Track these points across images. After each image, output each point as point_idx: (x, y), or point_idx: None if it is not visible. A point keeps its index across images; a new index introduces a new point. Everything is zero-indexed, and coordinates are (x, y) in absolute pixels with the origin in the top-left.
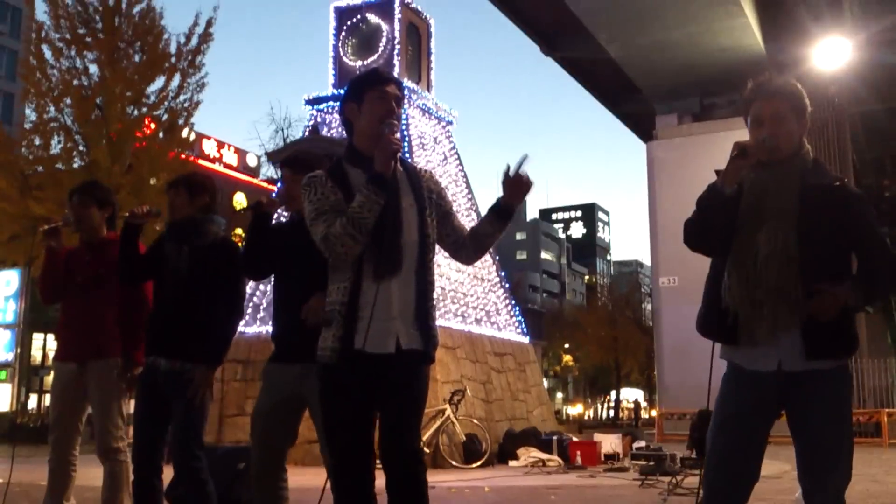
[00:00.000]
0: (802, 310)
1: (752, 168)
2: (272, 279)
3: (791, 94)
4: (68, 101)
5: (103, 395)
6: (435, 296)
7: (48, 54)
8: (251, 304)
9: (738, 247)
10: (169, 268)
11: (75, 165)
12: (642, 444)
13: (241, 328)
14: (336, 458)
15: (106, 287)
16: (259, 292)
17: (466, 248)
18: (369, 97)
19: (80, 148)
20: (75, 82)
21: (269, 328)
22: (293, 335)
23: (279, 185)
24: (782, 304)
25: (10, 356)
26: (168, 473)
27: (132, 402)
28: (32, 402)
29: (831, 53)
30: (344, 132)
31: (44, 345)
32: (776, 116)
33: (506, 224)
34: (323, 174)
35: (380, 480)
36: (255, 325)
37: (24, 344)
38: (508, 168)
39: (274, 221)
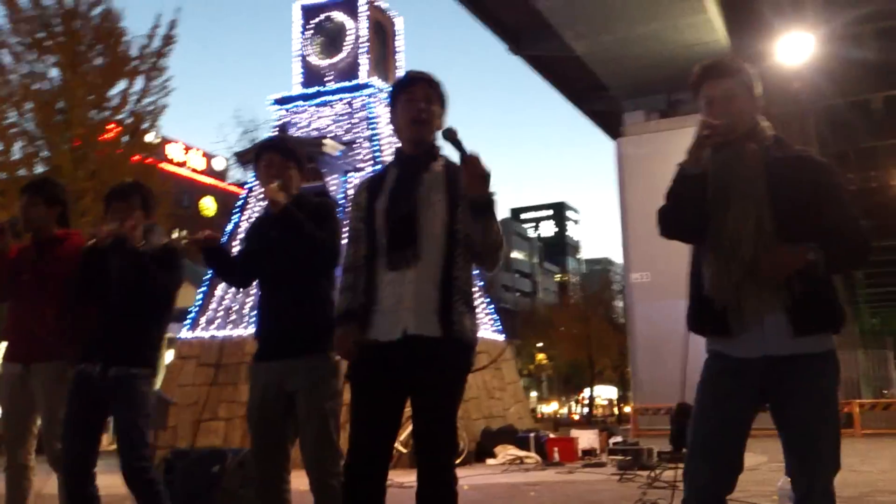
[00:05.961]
0: (785, 286)
1: (711, 151)
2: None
3: (738, 71)
4: (29, 105)
5: (49, 399)
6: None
7: (7, 59)
8: (222, 306)
9: (711, 232)
10: (115, 277)
11: (38, 171)
12: (619, 439)
13: (213, 332)
14: (349, 446)
15: (52, 287)
16: (230, 295)
17: (478, 255)
18: (399, 101)
19: (43, 153)
20: (36, 87)
21: (241, 331)
22: (274, 333)
23: (247, 186)
24: (764, 282)
25: None
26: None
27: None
28: None
29: (794, 48)
30: (311, 132)
31: None
32: (727, 95)
33: (484, 218)
34: (362, 183)
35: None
36: (227, 329)
37: None
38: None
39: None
